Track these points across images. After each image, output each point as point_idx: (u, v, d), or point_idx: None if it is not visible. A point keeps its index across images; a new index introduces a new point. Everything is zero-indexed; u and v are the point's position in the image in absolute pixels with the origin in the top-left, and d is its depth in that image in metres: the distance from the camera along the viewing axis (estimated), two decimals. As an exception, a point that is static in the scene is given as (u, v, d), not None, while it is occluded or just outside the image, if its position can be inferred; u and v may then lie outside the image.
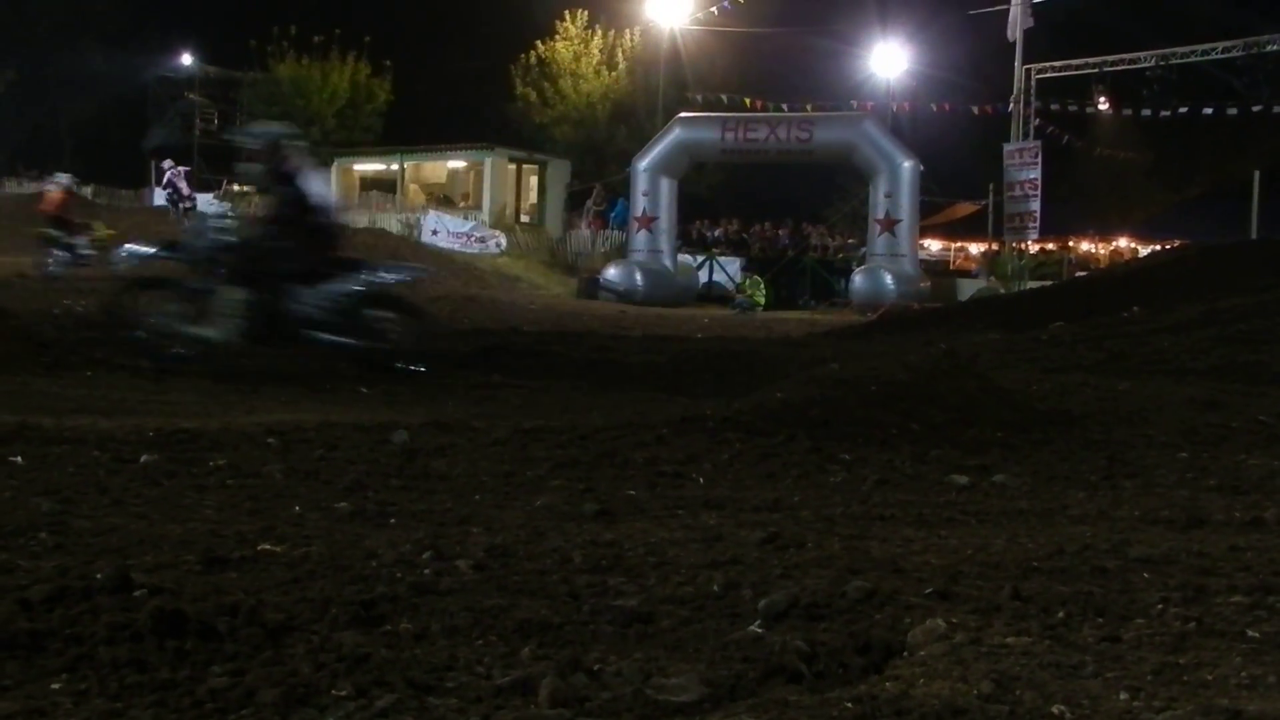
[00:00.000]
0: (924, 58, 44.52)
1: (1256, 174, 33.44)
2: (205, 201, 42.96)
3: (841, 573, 3.89)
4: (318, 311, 10.55)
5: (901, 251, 33.27)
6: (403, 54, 49.24)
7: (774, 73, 44.74)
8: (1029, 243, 37.52)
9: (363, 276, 10.82)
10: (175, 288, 10.91)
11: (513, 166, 43.34)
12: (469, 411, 8.40)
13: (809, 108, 38.84)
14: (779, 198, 42.36)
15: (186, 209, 27.24)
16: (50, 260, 24.14)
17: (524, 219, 43.08)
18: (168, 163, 27.74)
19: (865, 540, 4.52)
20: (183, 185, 27.16)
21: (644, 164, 35.06)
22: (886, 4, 45.11)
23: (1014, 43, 36.76)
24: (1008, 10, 36.41)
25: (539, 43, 46.16)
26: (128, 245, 12.16)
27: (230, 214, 11.98)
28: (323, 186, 11.68)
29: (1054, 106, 38.23)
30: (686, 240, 37.51)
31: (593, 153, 45.10)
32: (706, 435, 7.00)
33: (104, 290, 13.34)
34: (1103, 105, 38.40)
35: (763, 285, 33.21)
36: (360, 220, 40.20)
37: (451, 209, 42.39)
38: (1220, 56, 34.66)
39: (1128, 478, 6.35)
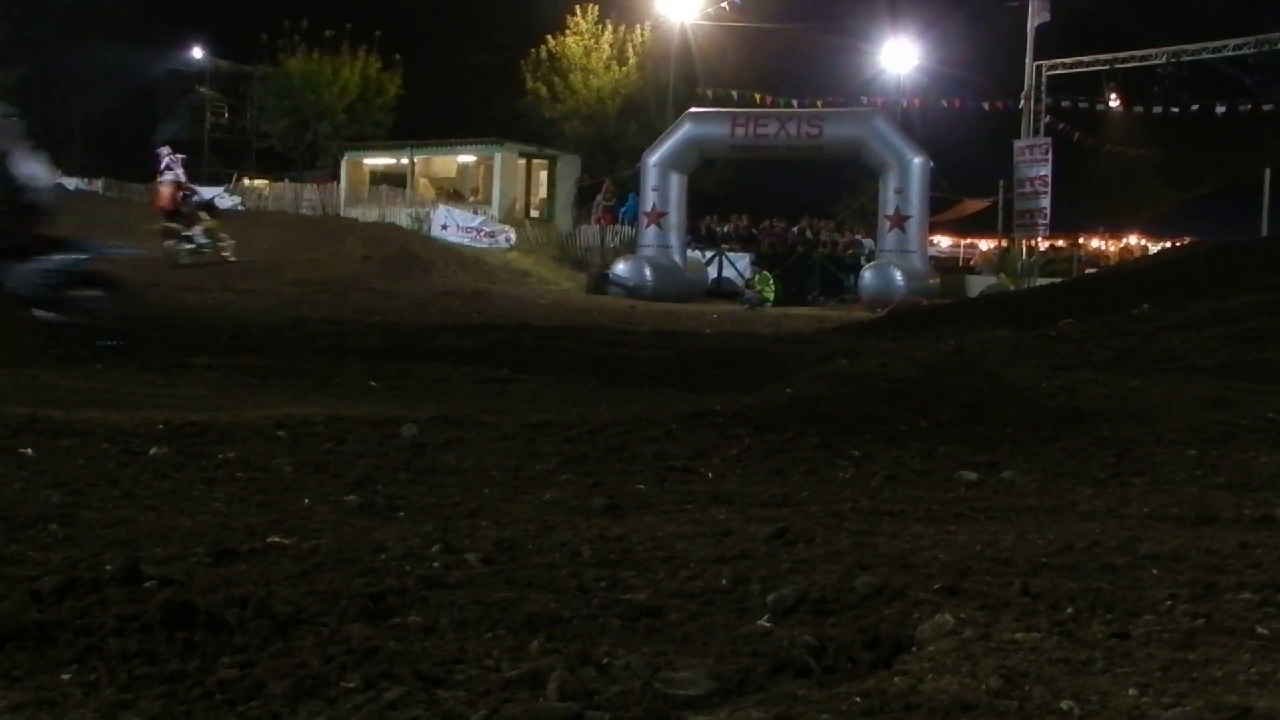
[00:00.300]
0: (935, 54, 44.42)
1: (1267, 172, 33.36)
2: (216, 195, 43.14)
3: (850, 568, 3.89)
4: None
5: (911, 248, 33.23)
6: (413, 48, 49.21)
7: (784, 68, 44.66)
8: (1039, 239, 37.46)
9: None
10: None
11: (522, 161, 43.31)
12: (478, 406, 8.41)
13: (819, 103, 38.74)
14: (789, 194, 42.29)
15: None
16: (182, 251, 26.26)
17: (533, 214, 43.06)
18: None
19: (874, 536, 4.52)
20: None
21: (654, 159, 35.04)
22: (897, 0, 45.07)
23: (1025, 39, 36.71)
24: (1018, 6, 36.36)
25: (549, 37, 46.09)
26: None
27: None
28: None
29: (1065, 103, 38.14)
30: (696, 236, 37.47)
31: (603, 148, 45.04)
32: (715, 431, 7.00)
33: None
34: (1114, 102, 38.31)
35: (772, 281, 33.20)
36: (370, 214, 40.26)
37: (461, 203, 42.37)
38: (1232, 54, 34.59)
39: (1137, 475, 6.35)
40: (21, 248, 10.65)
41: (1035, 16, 36.00)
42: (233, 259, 27.60)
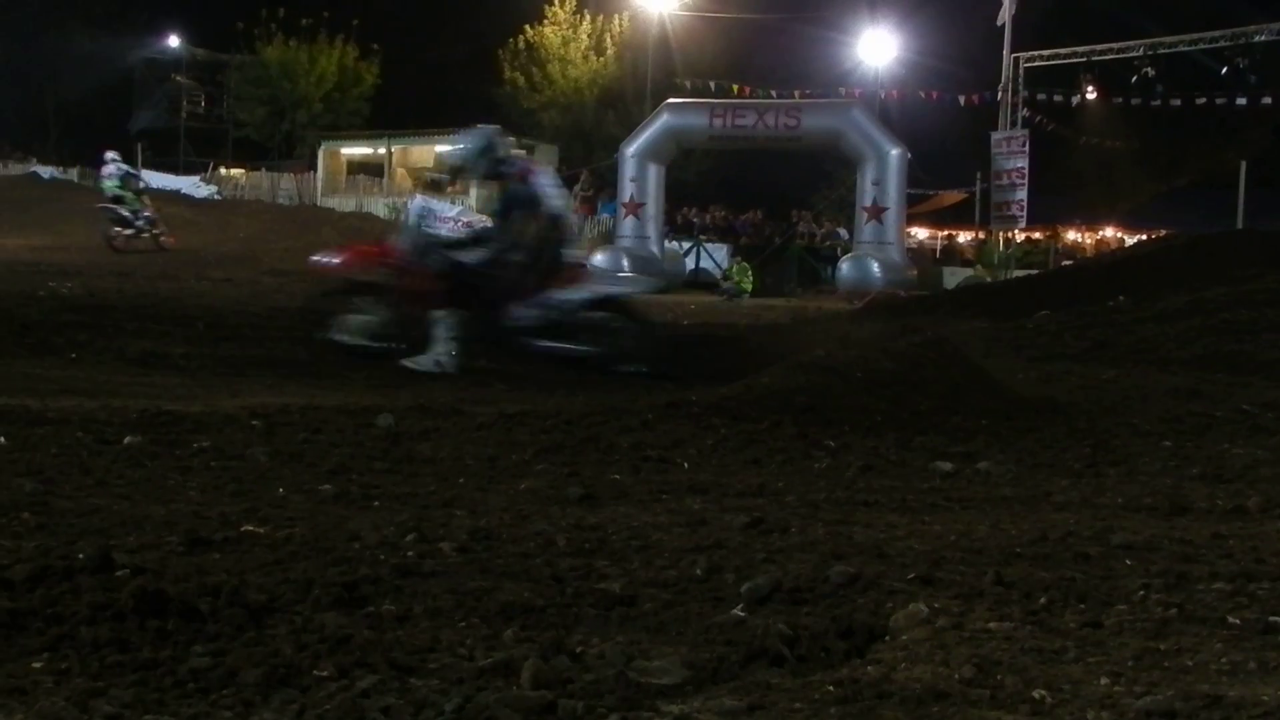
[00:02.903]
0: (912, 45, 44.44)
1: (1243, 164, 33.46)
2: (191, 184, 43.03)
3: (825, 557, 3.89)
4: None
5: (889, 239, 33.25)
6: (391, 38, 49.17)
7: (762, 59, 44.67)
8: (1016, 231, 37.54)
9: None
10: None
11: (500, 152, 43.21)
12: (454, 395, 8.39)
13: (797, 95, 38.75)
14: (766, 185, 42.30)
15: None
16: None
17: (511, 204, 42.94)
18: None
19: (849, 525, 4.52)
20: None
21: (632, 150, 34.99)
22: (875, -9, 45.08)
23: (1002, 31, 36.76)
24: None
25: (527, 28, 46.05)
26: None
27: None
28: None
29: (1041, 96, 38.20)
30: (673, 226, 37.44)
31: (580, 138, 45.02)
32: (691, 421, 7.01)
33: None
34: (1091, 94, 38.39)
35: (750, 272, 33.18)
36: (348, 204, 40.15)
37: (439, 194, 42.27)
38: (1208, 46, 34.69)
39: (1111, 465, 6.37)
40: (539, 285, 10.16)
41: (1009, 9, 36.06)
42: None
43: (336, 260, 11.20)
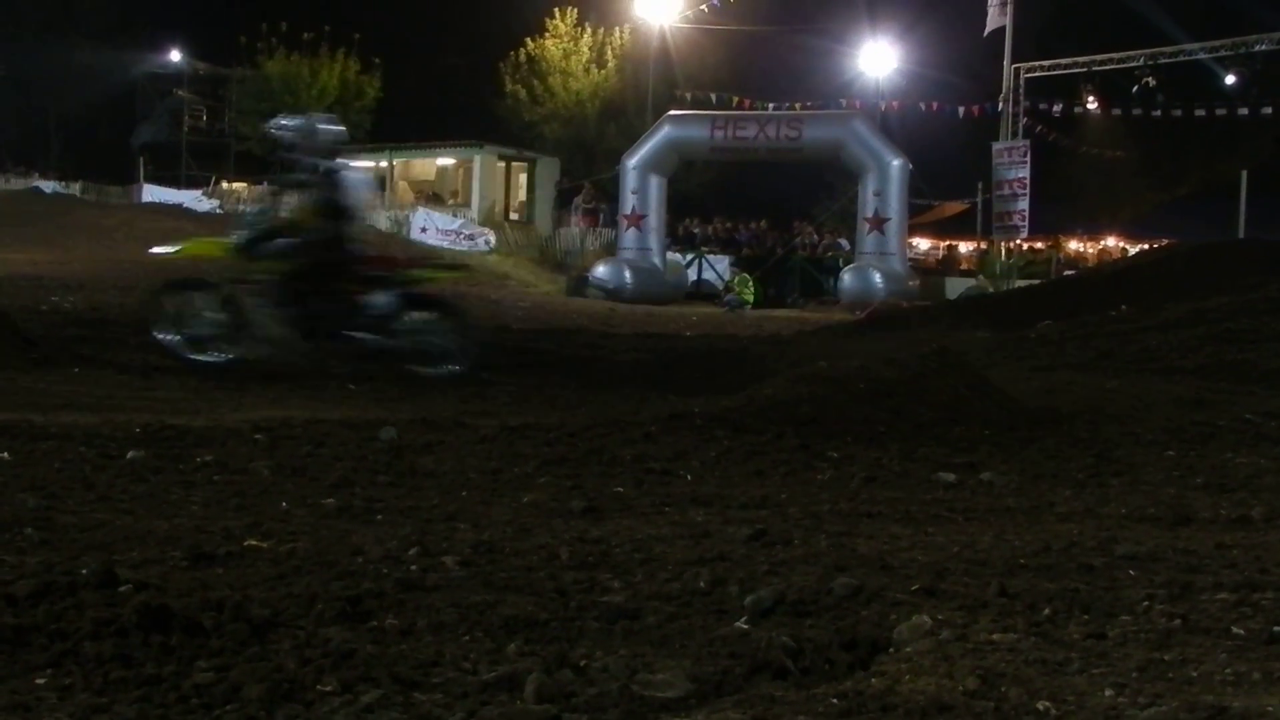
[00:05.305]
0: (913, 56, 44.50)
1: (1244, 174, 33.48)
2: (193, 198, 43.07)
3: (828, 569, 3.89)
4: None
5: (890, 250, 33.25)
6: (392, 51, 49.22)
7: (763, 71, 44.70)
8: (1018, 241, 37.56)
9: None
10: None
11: (502, 164, 43.31)
12: (457, 409, 8.40)
13: (798, 106, 38.78)
14: (768, 196, 42.32)
15: None
16: None
17: (513, 216, 43.05)
18: None
19: (852, 537, 4.52)
20: None
21: (633, 162, 35.02)
22: (876, 3, 45.14)
23: (1002, 42, 36.82)
24: (1000, 12, 36.46)
25: (529, 40, 46.10)
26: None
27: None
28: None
29: (1042, 106, 38.24)
30: (675, 238, 37.47)
31: (582, 150, 45.06)
32: (694, 433, 7.01)
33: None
34: (1091, 104, 38.44)
35: (751, 283, 33.19)
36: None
37: (440, 206, 42.34)
38: (1208, 56, 34.74)
39: (1115, 475, 6.37)
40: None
41: (991, 23, 36.16)
42: None
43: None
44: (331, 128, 10.86)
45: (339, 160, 10.64)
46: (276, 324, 10.27)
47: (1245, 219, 31.92)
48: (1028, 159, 35.77)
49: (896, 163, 33.37)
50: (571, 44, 45.81)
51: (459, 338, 10.63)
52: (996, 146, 36.81)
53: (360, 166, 10.84)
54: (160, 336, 10.47)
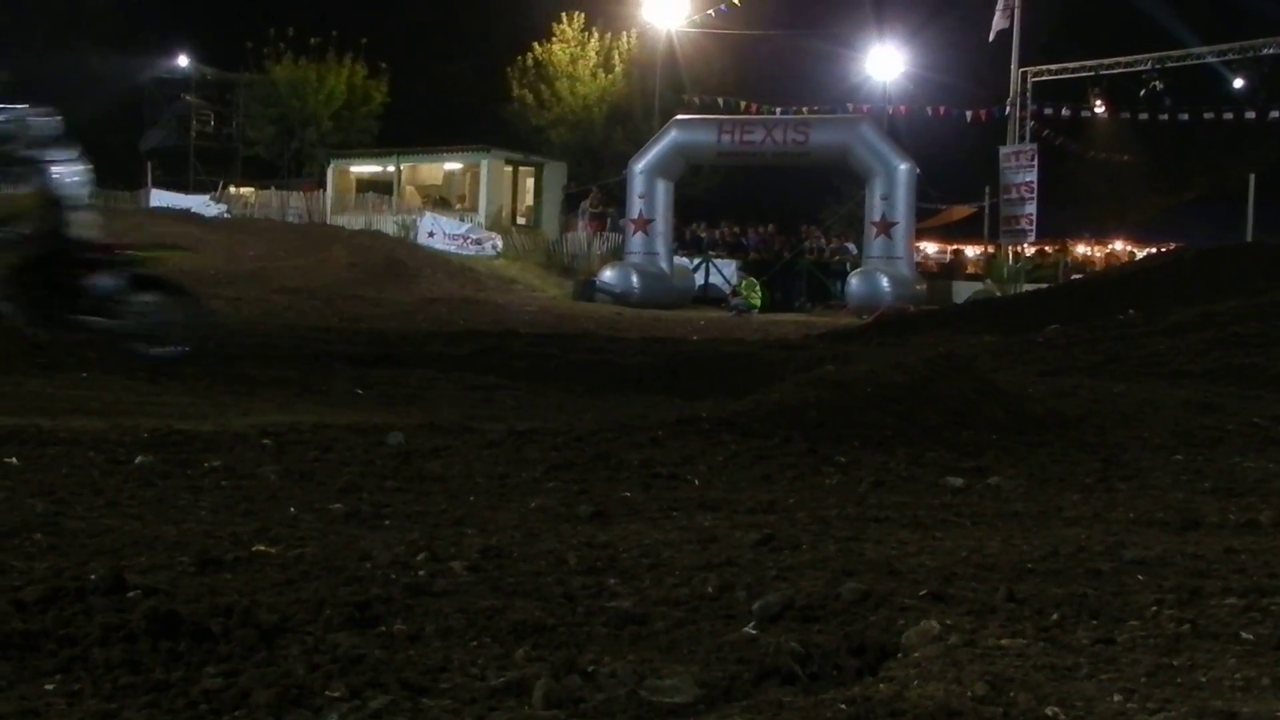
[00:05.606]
0: (920, 60, 44.50)
1: (1252, 177, 33.48)
2: (201, 203, 43.14)
3: (836, 574, 3.89)
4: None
5: (897, 254, 33.27)
6: (399, 56, 49.20)
7: (770, 75, 44.71)
8: (1025, 245, 37.55)
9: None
10: None
11: (509, 168, 43.32)
12: (464, 413, 8.40)
13: (805, 110, 38.79)
14: (775, 200, 42.33)
15: None
16: None
17: (520, 221, 43.06)
18: None
19: (860, 542, 4.52)
20: None
21: (640, 166, 35.07)
22: (883, 7, 45.14)
23: (1009, 46, 36.81)
24: (1003, 15, 36.45)
25: (535, 45, 46.14)
26: None
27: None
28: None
29: (1049, 110, 38.23)
30: (682, 242, 37.49)
31: (589, 155, 45.09)
32: (702, 437, 7.00)
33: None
34: (1099, 108, 38.41)
35: (759, 287, 33.23)
36: (357, 222, 40.23)
37: (448, 211, 42.36)
38: (1216, 60, 34.71)
39: (1123, 480, 6.36)
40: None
41: (995, 26, 36.17)
42: None
43: None
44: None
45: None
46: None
47: (1253, 223, 31.94)
48: (1035, 163, 35.78)
49: (903, 167, 33.39)
50: (578, 48, 45.82)
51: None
52: (1004, 150, 36.81)
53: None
54: None
